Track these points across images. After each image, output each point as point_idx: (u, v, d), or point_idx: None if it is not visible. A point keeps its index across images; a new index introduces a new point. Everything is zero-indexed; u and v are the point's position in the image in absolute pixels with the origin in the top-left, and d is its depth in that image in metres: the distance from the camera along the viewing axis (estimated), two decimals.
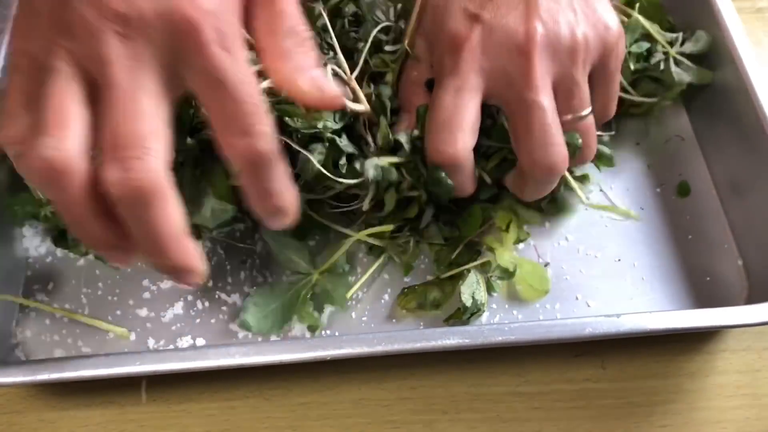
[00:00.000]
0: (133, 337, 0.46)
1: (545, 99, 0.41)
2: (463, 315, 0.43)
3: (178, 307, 0.47)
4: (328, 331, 0.46)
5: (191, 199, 0.42)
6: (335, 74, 0.42)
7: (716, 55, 0.52)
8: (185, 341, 0.46)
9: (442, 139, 0.42)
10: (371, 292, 0.47)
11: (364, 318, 0.47)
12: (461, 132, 0.41)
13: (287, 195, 0.35)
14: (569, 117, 0.43)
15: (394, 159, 0.43)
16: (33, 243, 0.50)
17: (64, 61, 0.31)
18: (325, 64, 0.42)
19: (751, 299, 0.47)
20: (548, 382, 0.46)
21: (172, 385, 0.45)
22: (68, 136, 0.31)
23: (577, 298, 0.47)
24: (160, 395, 0.45)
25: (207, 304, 0.47)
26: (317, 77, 0.36)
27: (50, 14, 0.32)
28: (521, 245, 0.49)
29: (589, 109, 0.44)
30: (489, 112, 0.44)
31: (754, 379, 0.46)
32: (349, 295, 0.45)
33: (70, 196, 0.31)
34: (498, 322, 0.43)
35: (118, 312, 0.47)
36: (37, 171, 0.31)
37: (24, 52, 0.33)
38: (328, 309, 0.47)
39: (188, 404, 0.45)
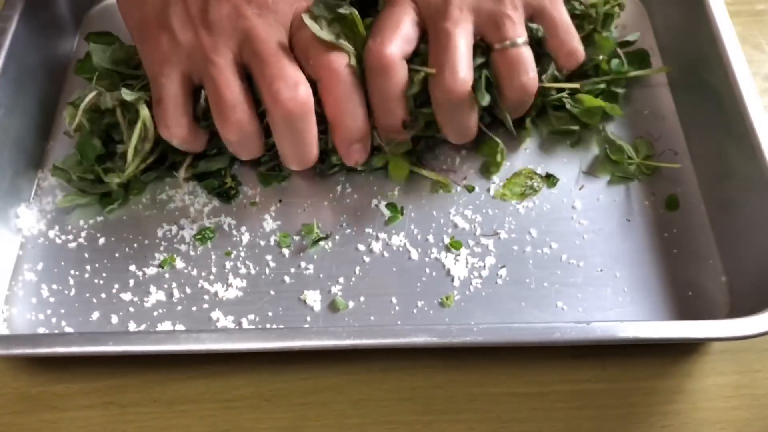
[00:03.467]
0: (115, 320, 0.47)
1: (460, 30, 0.47)
2: None
3: (161, 294, 0.48)
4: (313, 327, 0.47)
5: None
6: None
7: (707, 62, 0.52)
8: (165, 327, 0.47)
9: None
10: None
11: (363, 301, 0.47)
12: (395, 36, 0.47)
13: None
14: (498, 46, 0.48)
15: None
16: (27, 223, 0.51)
17: (218, 54, 0.45)
18: None
19: (731, 316, 0.46)
20: (548, 382, 0.46)
21: (172, 386, 0.46)
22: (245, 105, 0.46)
23: (556, 306, 0.47)
24: (161, 396, 0.45)
25: (189, 291, 0.48)
26: None
27: (188, 20, 0.46)
28: None
29: (522, 39, 0.48)
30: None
31: (754, 379, 0.46)
32: None
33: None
34: (466, 323, 0.43)
35: (103, 295, 0.48)
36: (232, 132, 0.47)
37: (164, 61, 0.47)
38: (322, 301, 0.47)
39: (188, 405, 0.45)
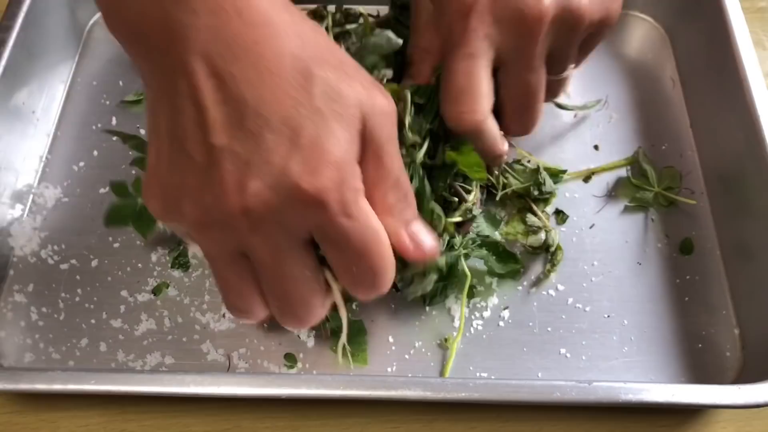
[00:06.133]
0: (103, 347, 0.46)
1: (537, 76, 0.43)
2: None
3: (152, 322, 0.47)
4: (307, 365, 0.45)
5: None
6: None
7: (730, 97, 0.50)
8: (154, 357, 0.45)
9: (462, 108, 0.42)
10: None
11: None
12: (479, 97, 0.42)
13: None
14: (552, 77, 0.45)
15: None
16: (18, 242, 0.50)
17: (226, 251, 0.35)
18: None
19: (743, 373, 0.44)
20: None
21: None
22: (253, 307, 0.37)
23: (560, 353, 0.45)
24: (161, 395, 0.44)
25: (180, 320, 0.47)
26: (416, 232, 0.38)
27: (201, 216, 0.34)
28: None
29: (571, 67, 0.47)
30: None
31: None
32: None
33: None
34: (463, 377, 0.42)
35: (93, 321, 0.47)
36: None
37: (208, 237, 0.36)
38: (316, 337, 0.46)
39: (189, 404, 0.44)
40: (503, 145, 0.45)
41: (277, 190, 0.32)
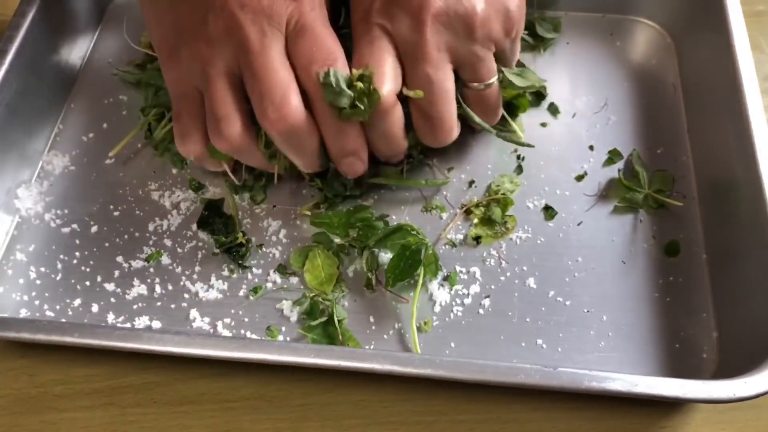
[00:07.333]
0: (95, 309, 0.48)
1: (439, 72, 0.45)
2: None
3: (143, 288, 0.48)
4: (287, 339, 0.46)
5: None
6: None
7: (728, 107, 0.50)
8: (142, 321, 0.47)
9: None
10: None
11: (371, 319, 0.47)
12: (381, 75, 0.45)
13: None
14: (475, 86, 0.48)
15: None
16: (25, 204, 0.52)
17: (212, 65, 0.44)
18: None
19: (717, 375, 0.44)
20: None
21: (172, 387, 0.46)
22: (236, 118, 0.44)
23: (536, 343, 0.46)
24: (161, 396, 0.46)
25: (171, 288, 0.48)
26: None
27: (193, 35, 0.45)
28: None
29: (494, 79, 0.48)
30: None
31: None
32: None
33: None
34: (431, 354, 0.42)
35: (87, 283, 0.49)
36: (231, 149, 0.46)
37: (179, 80, 0.46)
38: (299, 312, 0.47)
39: (189, 405, 0.45)
40: (403, 144, 0.48)
41: None
